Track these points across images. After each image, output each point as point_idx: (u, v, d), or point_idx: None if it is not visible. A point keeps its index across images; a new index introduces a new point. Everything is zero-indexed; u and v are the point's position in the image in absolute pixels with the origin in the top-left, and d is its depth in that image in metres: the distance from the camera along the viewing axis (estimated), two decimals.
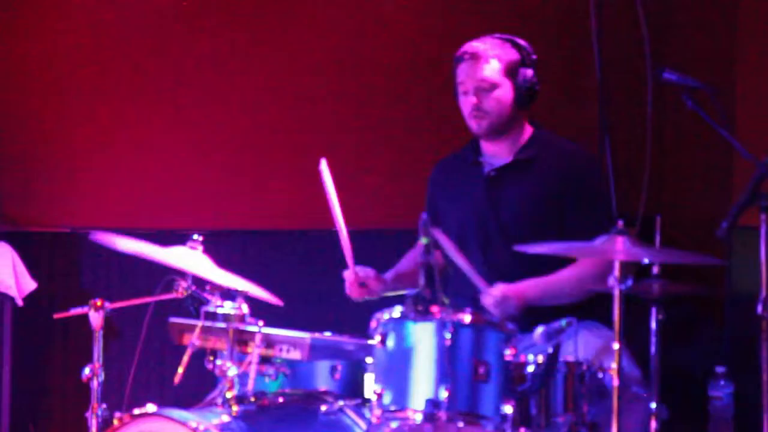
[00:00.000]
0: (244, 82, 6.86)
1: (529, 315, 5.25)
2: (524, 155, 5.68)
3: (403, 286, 5.51)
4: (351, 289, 5.65)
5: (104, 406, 5.27)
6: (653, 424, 5.01)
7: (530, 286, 5.38)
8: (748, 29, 6.21)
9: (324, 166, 5.54)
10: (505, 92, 5.60)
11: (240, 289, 5.13)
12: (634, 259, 4.88)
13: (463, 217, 5.70)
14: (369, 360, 4.85)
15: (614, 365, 4.79)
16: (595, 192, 5.63)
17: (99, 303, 5.29)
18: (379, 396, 4.70)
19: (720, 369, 5.83)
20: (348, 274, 5.62)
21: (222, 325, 5.09)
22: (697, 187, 6.32)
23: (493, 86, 5.59)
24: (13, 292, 5.99)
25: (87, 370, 5.26)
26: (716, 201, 6.02)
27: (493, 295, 5.32)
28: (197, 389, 5.29)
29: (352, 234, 5.59)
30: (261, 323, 5.10)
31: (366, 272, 5.62)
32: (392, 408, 4.69)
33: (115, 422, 4.91)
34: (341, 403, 5.14)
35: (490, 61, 5.60)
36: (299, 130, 5.64)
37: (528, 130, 5.72)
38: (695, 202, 6.21)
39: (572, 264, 5.35)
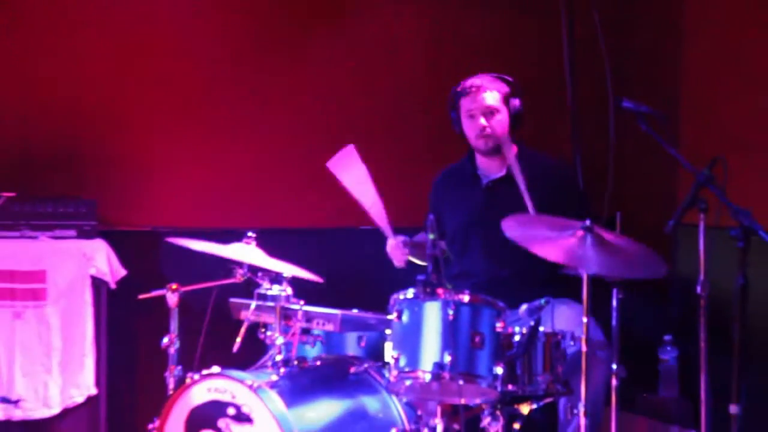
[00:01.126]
0: (292, 103, 6.85)
1: (514, 295, 5.19)
2: (510, 173, 5.61)
3: (417, 254, 5.57)
4: (395, 253, 5.66)
5: (179, 368, 5.30)
6: (614, 381, 5.00)
7: None
8: (690, 66, 6.18)
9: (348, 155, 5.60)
10: (504, 117, 5.63)
11: (285, 274, 5.13)
12: None
13: (467, 220, 5.70)
14: (388, 331, 4.84)
15: (583, 335, 4.79)
16: (580, 193, 5.67)
17: (174, 286, 5.34)
18: (396, 360, 4.70)
19: (667, 337, 5.84)
20: (391, 242, 5.63)
21: (271, 303, 5.12)
22: (649, 192, 6.31)
23: (496, 111, 5.60)
24: (107, 277, 6.04)
25: (165, 340, 5.31)
26: (664, 203, 6.01)
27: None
28: (252, 355, 5.28)
29: (366, 231, 5.59)
30: (302, 302, 5.14)
31: (402, 239, 5.63)
32: (406, 369, 4.69)
33: (188, 381, 4.93)
34: (366, 365, 5.16)
35: (492, 92, 5.62)
36: (333, 149, 5.59)
37: (514, 148, 5.67)
38: (648, 204, 6.20)
39: None
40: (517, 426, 5.11)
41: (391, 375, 4.75)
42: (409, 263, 5.64)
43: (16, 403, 5.74)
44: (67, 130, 6.51)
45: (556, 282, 5.41)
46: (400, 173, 6.39)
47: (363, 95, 6.83)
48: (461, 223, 5.72)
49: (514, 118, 5.64)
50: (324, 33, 6.83)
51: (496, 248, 5.49)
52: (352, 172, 5.49)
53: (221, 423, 4.76)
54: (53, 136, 6.51)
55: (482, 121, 5.60)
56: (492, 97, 5.60)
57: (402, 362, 4.70)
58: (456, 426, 4.94)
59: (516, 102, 5.64)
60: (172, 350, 5.31)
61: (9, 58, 6.43)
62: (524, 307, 5.05)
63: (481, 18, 6.79)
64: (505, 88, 5.64)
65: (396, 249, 5.61)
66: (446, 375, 4.60)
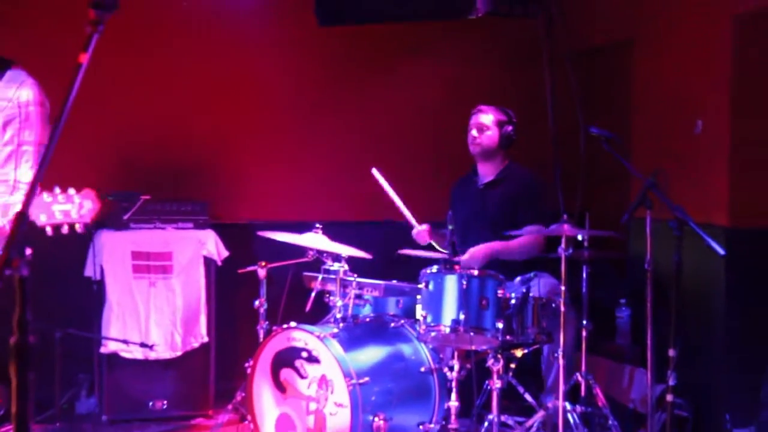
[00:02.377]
0: (350, 129, 6.85)
1: (512, 271, 5.30)
2: (500, 177, 5.76)
3: (437, 239, 5.75)
4: (419, 237, 5.76)
5: (267, 323, 5.39)
6: (583, 333, 5.10)
7: (485, 248, 5.48)
8: (638, 101, 6.18)
9: (375, 171, 5.67)
10: (493, 135, 5.68)
11: (343, 254, 5.17)
12: (573, 235, 4.97)
13: (468, 212, 5.76)
14: (418, 297, 4.91)
15: (561, 300, 4.89)
16: (537, 198, 5.67)
17: (263, 264, 5.42)
18: (424, 317, 4.82)
19: (622, 300, 5.82)
20: (417, 229, 5.74)
21: (333, 276, 5.18)
22: (610, 195, 6.28)
23: (486, 129, 5.68)
24: (215, 257, 5.98)
25: (257, 302, 5.39)
26: (621, 203, 5.99)
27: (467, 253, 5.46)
28: (319, 314, 5.31)
29: (399, 224, 5.73)
30: (355, 275, 5.18)
31: (426, 227, 5.75)
32: (432, 324, 4.80)
33: (273, 332, 4.97)
34: (402, 321, 5.24)
35: (488, 115, 5.70)
36: (379, 164, 5.63)
37: (505, 162, 5.79)
38: (609, 203, 6.18)
39: (517, 239, 5.43)
40: (513, 366, 5.24)
41: (421, 328, 4.88)
42: (429, 244, 5.75)
43: (151, 347, 5.74)
44: (188, 151, 6.54)
45: (539, 261, 5.47)
46: (423, 182, 6.45)
47: (400, 125, 6.83)
48: (464, 215, 5.74)
49: (504, 138, 5.69)
50: (375, 79, 6.80)
51: (487, 233, 5.61)
52: (382, 182, 5.64)
53: (297, 363, 4.84)
54: (178, 155, 6.51)
55: (474, 132, 5.71)
56: (486, 118, 5.71)
57: (429, 319, 4.83)
58: (468, 365, 5.06)
59: (508, 128, 5.68)
60: (261, 310, 5.40)
61: (149, 102, 6.46)
62: (518, 278, 5.21)
63: (488, 69, 6.82)
64: (501, 116, 5.70)
65: (420, 234, 5.73)
66: (461, 328, 4.73)
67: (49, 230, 2.95)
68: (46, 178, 3.20)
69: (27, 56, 5.92)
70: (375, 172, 5.65)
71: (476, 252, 5.45)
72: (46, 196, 3.12)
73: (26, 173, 3.32)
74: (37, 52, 5.98)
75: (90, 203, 3.16)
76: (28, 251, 2.34)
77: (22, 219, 2.47)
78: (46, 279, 3.45)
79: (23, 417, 2.38)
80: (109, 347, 5.81)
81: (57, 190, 3.10)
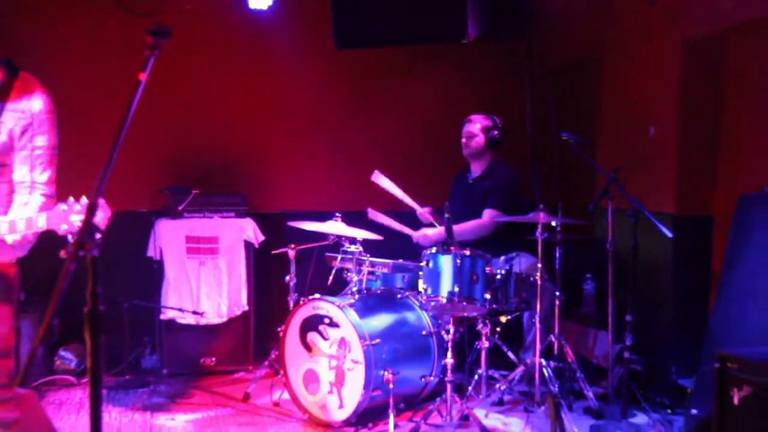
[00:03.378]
0: (364, 135, 6.80)
1: (497, 251, 5.25)
2: (485, 173, 5.71)
3: (436, 219, 5.64)
4: (423, 217, 5.68)
5: (295, 295, 5.34)
6: (556, 302, 5.07)
7: (436, 234, 5.54)
8: (603, 110, 6.16)
9: (377, 174, 5.63)
10: (479, 140, 5.64)
11: (358, 238, 5.13)
12: (548, 221, 4.95)
13: (461, 203, 5.69)
14: (420, 273, 4.89)
15: (538, 275, 4.87)
16: (502, 187, 5.60)
17: (293, 246, 5.39)
18: (425, 290, 4.81)
19: (588, 275, 5.80)
20: (420, 210, 5.68)
21: (350, 256, 5.16)
22: (579, 188, 6.27)
23: (474, 136, 5.65)
24: (253, 241, 5.98)
25: (287, 278, 5.35)
26: (588, 194, 5.95)
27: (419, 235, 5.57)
28: (338, 287, 5.30)
29: (406, 213, 5.67)
30: (368, 255, 5.16)
31: (428, 208, 5.71)
32: (432, 295, 4.78)
33: (301, 302, 4.97)
34: (407, 293, 5.24)
35: (475, 124, 5.65)
36: (385, 159, 5.64)
37: (491, 160, 5.73)
38: (578, 195, 6.15)
39: (466, 222, 5.48)
40: (498, 329, 5.25)
41: (422, 299, 4.87)
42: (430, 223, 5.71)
43: (201, 314, 5.76)
44: (231, 154, 6.53)
45: (519, 243, 5.43)
46: (425, 176, 6.38)
47: (404, 131, 6.78)
48: (458, 204, 5.68)
49: (490, 141, 5.64)
50: (383, 93, 6.78)
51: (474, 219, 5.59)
52: (385, 183, 5.60)
53: (321, 327, 4.85)
54: (223, 157, 6.51)
55: (464, 140, 5.68)
56: (473, 126, 5.66)
57: (429, 291, 4.81)
58: (461, 329, 5.06)
59: (494, 132, 5.63)
60: (291, 284, 5.36)
61: (200, 112, 6.48)
62: (502, 257, 5.18)
63: (478, 84, 6.76)
64: (488, 123, 5.64)
65: (423, 215, 5.68)
66: (455, 299, 4.72)
67: (70, 238, 2.87)
68: (70, 187, 3.15)
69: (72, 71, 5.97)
70: (377, 175, 5.62)
71: (429, 235, 5.55)
72: (62, 206, 3.06)
73: (41, 174, 3.22)
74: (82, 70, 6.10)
75: (101, 212, 3.10)
76: (98, 236, 2.33)
77: (92, 209, 2.45)
78: (116, 259, 3.42)
79: (96, 371, 2.38)
80: (167, 314, 5.84)
81: (71, 199, 3.04)
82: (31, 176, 3.22)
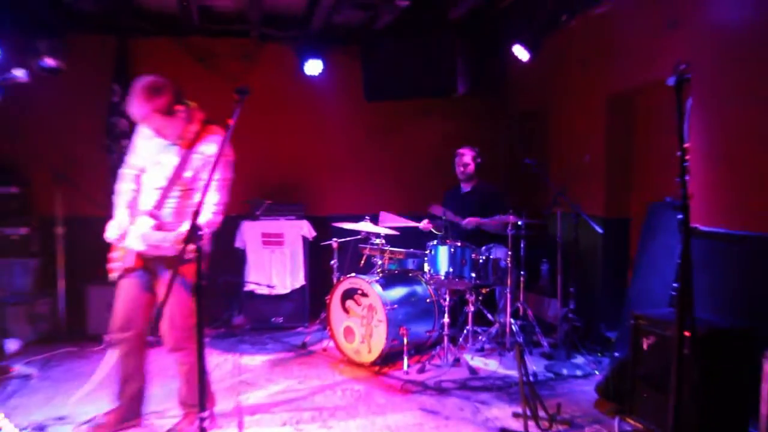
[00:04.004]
0: (385, 156, 6.77)
1: (480, 243, 5.23)
2: (474, 189, 5.62)
3: (435, 226, 5.50)
4: (425, 227, 5.49)
5: (338, 274, 5.36)
6: (521, 279, 5.08)
7: (476, 220, 5.39)
8: (552, 141, 6.14)
9: (384, 214, 5.54)
10: (471, 167, 5.56)
11: (382, 233, 5.13)
12: (516, 221, 4.96)
13: (456, 211, 5.53)
14: (426, 258, 4.92)
15: (508, 260, 4.88)
16: (503, 200, 5.48)
17: (335, 240, 5.41)
18: (429, 270, 4.83)
19: (544, 260, 5.77)
20: (422, 224, 5.49)
21: (376, 246, 5.17)
22: (537, 197, 6.22)
23: (468, 164, 5.56)
24: (308, 236, 5.93)
25: (332, 262, 5.37)
26: (542, 202, 5.91)
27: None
28: (367, 268, 5.30)
29: (409, 215, 5.65)
30: (389, 245, 5.18)
31: (426, 221, 5.52)
32: (434, 274, 4.80)
33: (341, 279, 4.99)
34: (417, 272, 5.23)
35: (467, 156, 5.57)
36: (400, 177, 5.64)
37: (476, 180, 5.64)
38: (537, 203, 6.09)
39: (493, 218, 5.27)
40: (480, 298, 5.26)
41: (427, 276, 4.90)
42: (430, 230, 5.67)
43: (272, 287, 5.77)
44: (292, 174, 6.53)
45: (496, 237, 5.39)
46: (427, 190, 6.23)
47: (413, 158, 6.77)
48: (453, 211, 5.53)
49: (477, 166, 5.57)
50: (399, 130, 6.77)
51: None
52: (390, 220, 5.50)
53: (355, 296, 4.87)
54: (287, 176, 6.52)
55: (461, 168, 5.58)
56: (467, 157, 5.57)
57: (432, 271, 4.85)
58: (455, 297, 5.09)
59: (479, 159, 5.58)
60: (334, 266, 5.38)
61: (271, 145, 6.44)
62: (484, 247, 5.19)
63: (466, 124, 6.73)
64: (474, 153, 5.58)
65: (425, 227, 5.51)
66: (450, 277, 4.74)
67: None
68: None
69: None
70: (384, 215, 5.53)
71: (471, 220, 5.38)
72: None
73: (213, 197, 3.25)
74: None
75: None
76: (201, 233, 2.41)
77: (196, 216, 2.52)
78: (214, 249, 3.44)
79: (201, 325, 2.44)
80: (249, 287, 5.85)
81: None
82: (207, 199, 3.25)
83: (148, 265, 3.41)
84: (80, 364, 4.86)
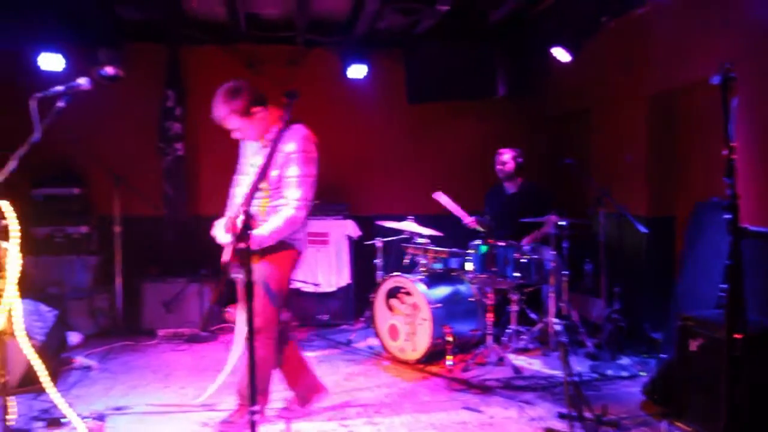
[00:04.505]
0: (426, 157, 6.76)
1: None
2: (519, 190, 5.55)
3: (480, 224, 5.38)
4: (470, 224, 5.41)
5: (382, 272, 5.39)
6: (565, 279, 4.97)
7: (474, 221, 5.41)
8: (594, 142, 6.03)
9: (439, 194, 5.44)
10: (510, 166, 5.49)
11: (425, 233, 5.13)
12: (559, 221, 4.87)
13: (499, 210, 5.56)
14: (468, 257, 4.87)
15: (552, 258, 4.81)
16: (549, 200, 5.40)
17: (380, 239, 5.43)
18: (473, 269, 4.77)
19: (587, 259, 5.54)
20: (467, 219, 5.41)
21: (420, 246, 5.16)
22: (579, 198, 6.08)
23: (506, 163, 5.50)
24: (353, 235, 5.97)
25: (376, 261, 5.39)
26: (582, 202, 5.78)
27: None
28: (411, 268, 5.28)
29: (454, 216, 5.60)
30: (433, 245, 5.16)
31: (473, 218, 5.45)
32: (477, 273, 4.77)
33: (385, 278, 4.98)
34: (461, 271, 5.13)
35: (506, 155, 5.51)
36: (442, 177, 5.60)
37: (520, 180, 5.57)
38: (579, 203, 5.96)
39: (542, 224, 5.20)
40: (524, 297, 5.20)
41: (470, 275, 4.85)
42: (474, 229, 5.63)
43: (318, 285, 5.81)
44: (338, 175, 6.44)
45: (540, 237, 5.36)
46: (468, 189, 6.12)
47: (454, 158, 6.74)
48: (497, 212, 5.59)
49: (517, 166, 5.50)
50: (440, 131, 6.76)
51: (510, 224, 5.44)
52: (444, 200, 5.46)
53: (399, 295, 4.85)
54: (332, 178, 6.28)
55: (499, 166, 5.52)
56: (505, 157, 5.51)
57: (475, 270, 4.80)
58: (499, 296, 5.02)
59: (519, 159, 5.51)
60: (379, 265, 5.41)
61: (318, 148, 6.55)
62: (527, 248, 5.11)
63: (505, 126, 6.66)
64: (514, 153, 5.51)
65: (470, 223, 5.45)
66: (493, 276, 4.69)
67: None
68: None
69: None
70: (439, 194, 5.43)
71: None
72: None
73: (293, 193, 3.30)
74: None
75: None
76: (250, 232, 2.43)
77: (247, 216, 2.53)
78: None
79: (251, 321, 2.45)
80: (296, 285, 5.83)
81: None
82: (286, 194, 3.34)
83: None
84: (135, 357, 4.98)
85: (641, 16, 5.24)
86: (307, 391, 3.77)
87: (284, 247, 3.39)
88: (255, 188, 2.86)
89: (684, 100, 5.10)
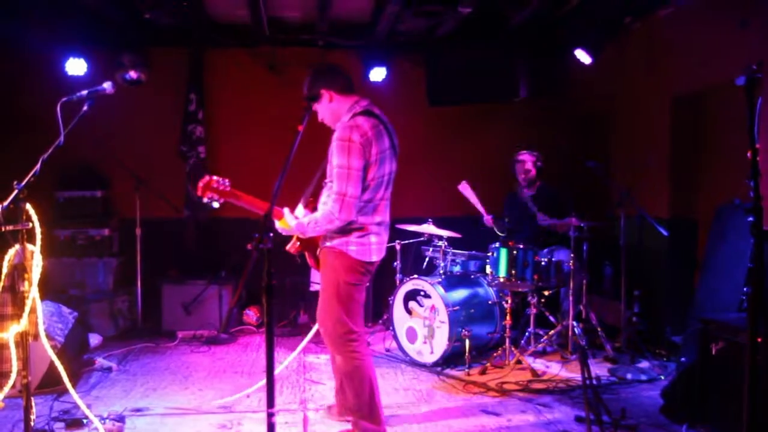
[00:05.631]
0: (448, 159, 6.65)
1: (542, 245, 5.16)
2: (538, 192, 5.50)
3: (496, 225, 5.36)
4: (488, 222, 5.40)
5: (401, 275, 5.33)
6: (584, 281, 4.97)
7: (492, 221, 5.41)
8: (614, 144, 5.99)
9: (465, 184, 5.41)
10: (533, 172, 5.47)
11: (444, 235, 5.09)
12: (579, 224, 4.84)
13: (519, 215, 5.51)
14: (487, 260, 4.87)
15: (571, 262, 4.78)
16: (568, 201, 5.36)
17: (399, 241, 5.37)
18: (491, 272, 4.77)
19: (606, 262, 5.53)
20: (486, 218, 5.40)
21: (438, 248, 5.12)
22: (598, 200, 6.04)
23: (529, 170, 5.47)
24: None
25: (395, 264, 5.35)
26: (603, 204, 5.77)
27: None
28: (429, 270, 5.29)
29: (474, 218, 5.53)
30: (451, 247, 5.16)
31: (491, 216, 5.42)
32: (495, 276, 4.75)
33: (404, 280, 4.99)
34: (479, 274, 5.18)
35: (528, 161, 5.48)
36: (463, 179, 5.56)
37: (540, 183, 5.54)
38: (600, 205, 5.92)
39: (560, 222, 5.10)
40: (543, 300, 5.17)
41: (489, 278, 4.85)
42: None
43: None
44: None
45: (558, 238, 5.32)
46: (490, 189, 5.93)
47: (476, 159, 6.61)
48: (517, 214, 5.54)
49: (539, 170, 5.50)
50: (462, 134, 6.70)
51: (529, 225, 5.42)
52: (468, 192, 5.47)
53: (418, 298, 4.86)
54: None
55: (523, 175, 5.48)
56: (528, 163, 5.48)
57: (494, 273, 4.80)
58: (517, 299, 5.00)
59: (539, 163, 5.49)
60: (397, 267, 5.38)
61: None
62: (546, 249, 5.11)
63: (526, 127, 6.51)
64: (535, 158, 5.49)
65: (488, 221, 5.42)
66: (512, 278, 4.68)
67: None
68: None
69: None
70: (464, 185, 5.41)
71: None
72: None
73: (333, 186, 3.11)
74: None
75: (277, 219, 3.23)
76: (271, 234, 2.42)
77: (267, 217, 2.55)
78: (281, 249, 3.46)
79: (270, 324, 2.47)
80: (314, 287, 5.85)
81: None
82: (329, 186, 3.18)
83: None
84: (155, 358, 5.02)
85: (665, 16, 5.19)
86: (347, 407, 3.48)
87: (335, 253, 3.21)
88: (321, 179, 2.89)
89: (709, 100, 5.04)
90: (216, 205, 3.21)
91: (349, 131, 3.10)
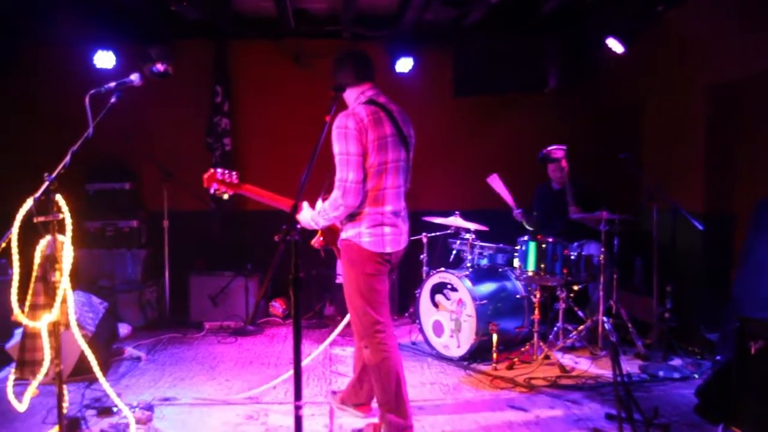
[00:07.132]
0: (474, 151, 6.63)
1: (572, 238, 5.09)
2: (566, 186, 5.42)
3: (525, 219, 5.38)
4: (517, 216, 5.40)
5: (427, 268, 5.34)
6: (614, 276, 4.90)
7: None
8: (645, 137, 5.89)
9: (495, 177, 5.43)
10: (567, 169, 5.38)
11: (471, 228, 5.07)
12: (609, 217, 4.77)
13: (548, 206, 5.48)
14: (516, 253, 4.82)
15: (602, 256, 4.71)
16: (594, 196, 5.32)
17: (425, 234, 5.39)
18: (520, 266, 4.73)
19: (638, 256, 5.45)
20: (515, 211, 5.40)
21: (465, 241, 5.11)
22: (629, 193, 5.96)
23: (564, 168, 5.39)
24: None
25: (421, 256, 5.35)
26: (634, 197, 5.69)
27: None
28: (456, 263, 5.28)
29: (503, 211, 5.53)
30: (478, 240, 5.14)
31: (520, 210, 5.41)
32: (524, 269, 4.71)
33: (431, 273, 4.95)
34: (506, 267, 5.14)
35: (561, 159, 5.38)
36: (490, 172, 5.51)
37: (568, 178, 5.44)
38: (631, 197, 5.82)
39: (591, 215, 4.96)
40: (572, 294, 5.12)
41: (517, 272, 4.80)
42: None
43: None
44: None
45: (588, 232, 5.23)
46: (516, 181, 5.94)
47: (502, 151, 6.60)
48: (546, 207, 5.51)
49: (569, 165, 5.41)
50: (487, 125, 6.66)
51: (557, 217, 5.38)
52: (498, 184, 5.45)
53: (445, 291, 4.84)
54: None
55: (558, 173, 5.41)
56: (562, 162, 5.37)
57: (522, 267, 4.75)
58: (546, 294, 4.96)
59: (565, 160, 5.40)
60: (424, 260, 5.38)
61: None
62: (575, 243, 5.04)
63: (554, 119, 6.50)
64: (563, 153, 5.37)
65: (517, 215, 5.42)
66: (541, 272, 4.63)
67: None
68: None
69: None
70: (494, 177, 5.40)
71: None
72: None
73: (336, 173, 3.09)
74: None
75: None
76: (299, 226, 2.42)
77: (294, 210, 2.54)
78: (307, 242, 3.46)
79: (297, 315, 2.47)
80: (340, 279, 5.74)
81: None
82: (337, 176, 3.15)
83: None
84: (182, 349, 5.08)
85: (698, 3, 5.07)
86: (361, 396, 3.55)
87: (350, 246, 3.21)
88: (334, 172, 2.87)
89: (747, 90, 4.91)
90: (225, 197, 3.33)
91: (345, 119, 3.10)
